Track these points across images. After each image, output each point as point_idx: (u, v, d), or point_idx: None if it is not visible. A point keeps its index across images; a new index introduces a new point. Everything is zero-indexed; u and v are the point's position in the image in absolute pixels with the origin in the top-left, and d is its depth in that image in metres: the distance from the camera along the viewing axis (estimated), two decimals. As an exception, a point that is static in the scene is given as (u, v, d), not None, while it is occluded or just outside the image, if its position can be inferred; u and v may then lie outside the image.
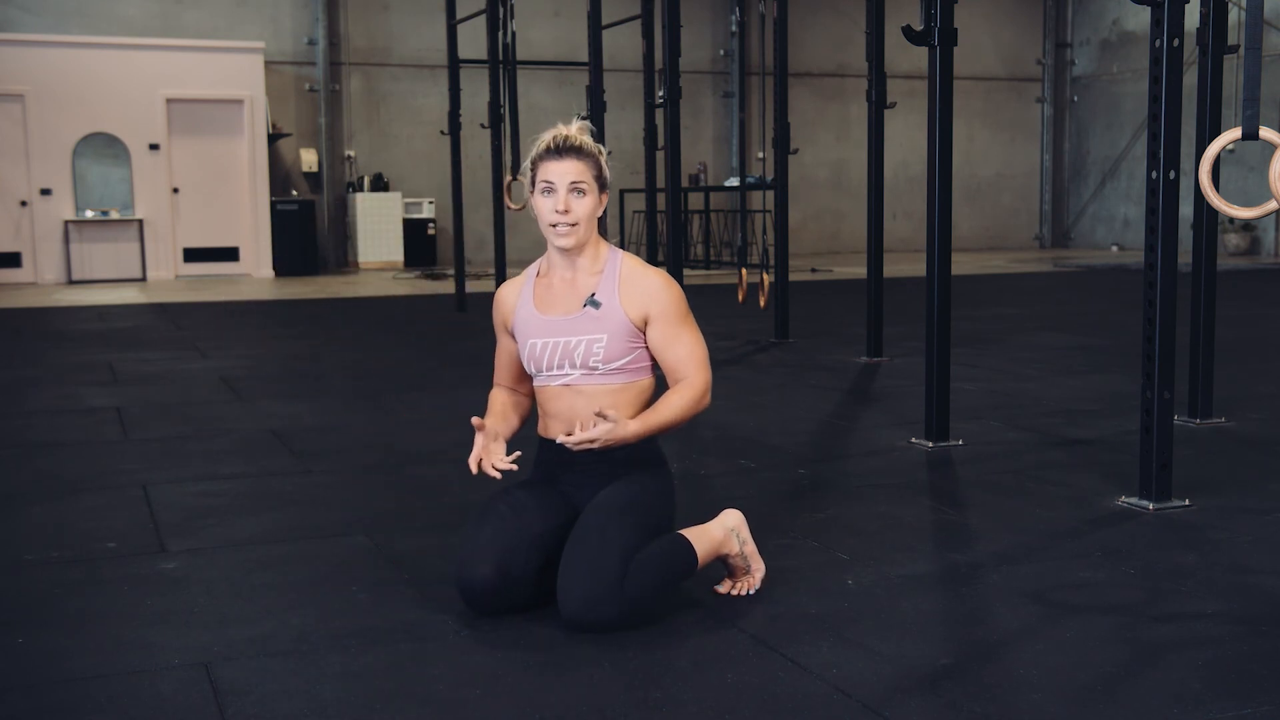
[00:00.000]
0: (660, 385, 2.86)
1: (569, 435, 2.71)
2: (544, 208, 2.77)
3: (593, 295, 2.80)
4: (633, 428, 2.71)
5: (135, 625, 2.70)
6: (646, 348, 2.83)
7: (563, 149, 2.76)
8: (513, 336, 2.93)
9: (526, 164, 2.84)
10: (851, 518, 3.54)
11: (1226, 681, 2.32)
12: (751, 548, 2.89)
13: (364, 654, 2.51)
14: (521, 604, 2.70)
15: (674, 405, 2.78)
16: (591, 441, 2.68)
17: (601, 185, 2.81)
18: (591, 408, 2.76)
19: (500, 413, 2.95)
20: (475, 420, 2.77)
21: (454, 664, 2.46)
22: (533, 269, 2.94)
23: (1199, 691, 2.28)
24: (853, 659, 2.45)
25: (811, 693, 2.29)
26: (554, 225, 2.77)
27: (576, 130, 2.82)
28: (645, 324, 2.80)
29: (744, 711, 2.21)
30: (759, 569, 2.89)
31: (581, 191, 2.76)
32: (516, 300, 2.91)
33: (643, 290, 2.80)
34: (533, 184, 2.80)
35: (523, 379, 2.99)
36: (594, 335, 2.78)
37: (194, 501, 3.82)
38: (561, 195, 2.75)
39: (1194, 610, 2.73)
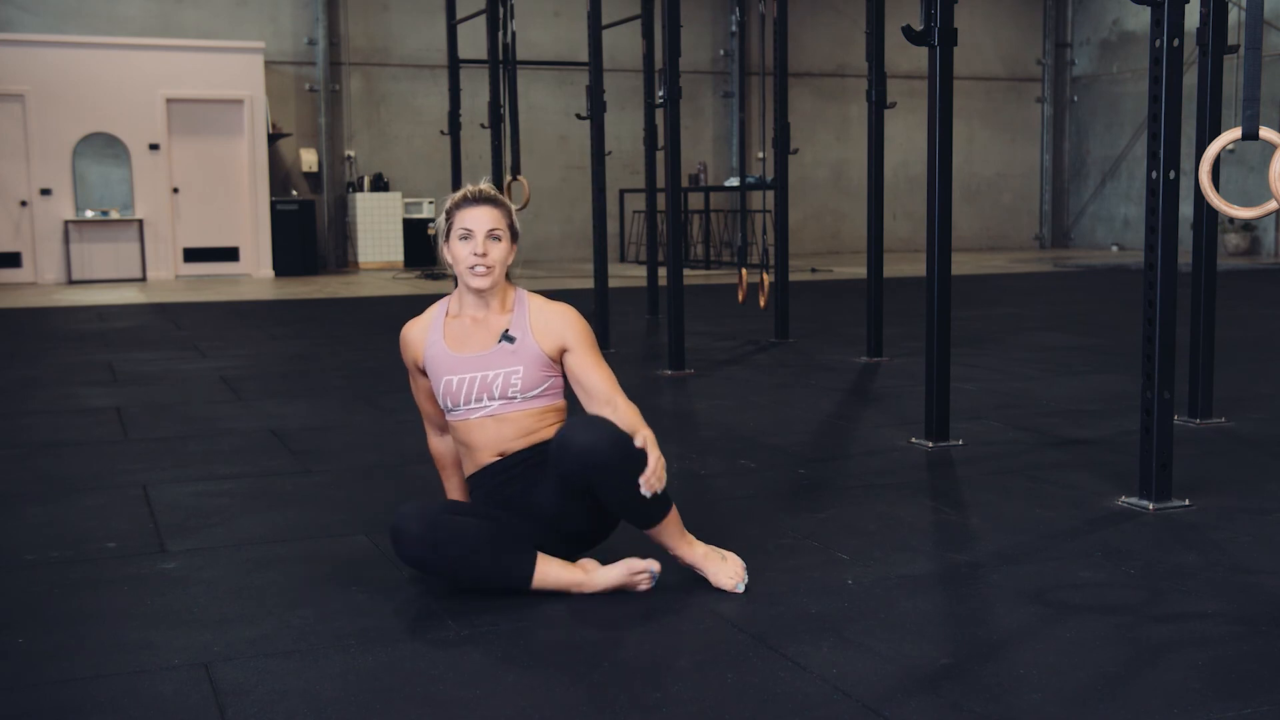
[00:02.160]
0: (572, 405, 3.06)
1: (648, 484, 2.74)
2: (462, 252, 2.94)
3: (507, 331, 2.97)
4: (645, 433, 2.81)
5: (135, 625, 2.70)
6: (561, 375, 3.00)
7: (478, 198, 2.97)
8: (423, 374, 3.08)
9: (441, 217, 3.02)
10: (851, 518, 3.54)
11: (1226, 681, 2.32)
12: (689, 550, 2.91)
13: (364, 654, 2.51)
14: (453, 557, 2.74)
15: (635, 416, 2.89)
16: (656, 473, 2.74)
17: (514, 235, 3.01)
18: (515, 433, 2.94)
19: (457, 476, 3.18)
20: None
21: (454, 664, 2.46)
22: (440, 309, 3.08)
23: (1199, 691, 2.28)
24: (853, 659, 2.45)
25: (811, 693, 2.29)
26: (472, 267, 2.93)
27: (486, 186, 3.04)
28: (561, 354, 2.97)
29: (744, 711, 2.21)
30: (717, 556, 2.91)
31: (498, 238, 2.95)
32: (425, 338, 3.05)
33: (554, 323, 2.97)
34: (448, 233, 2.98)
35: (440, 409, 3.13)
36: (511, 368, 2.94)
37: (194, 501, 3.82)
38: (480, 239, 2.93)
39: (1194, 610, 2.73)
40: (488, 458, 2.96)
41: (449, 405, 2.98)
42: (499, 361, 2.94)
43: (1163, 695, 2.26)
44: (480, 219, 2.94)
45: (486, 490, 2.97)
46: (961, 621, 2.70)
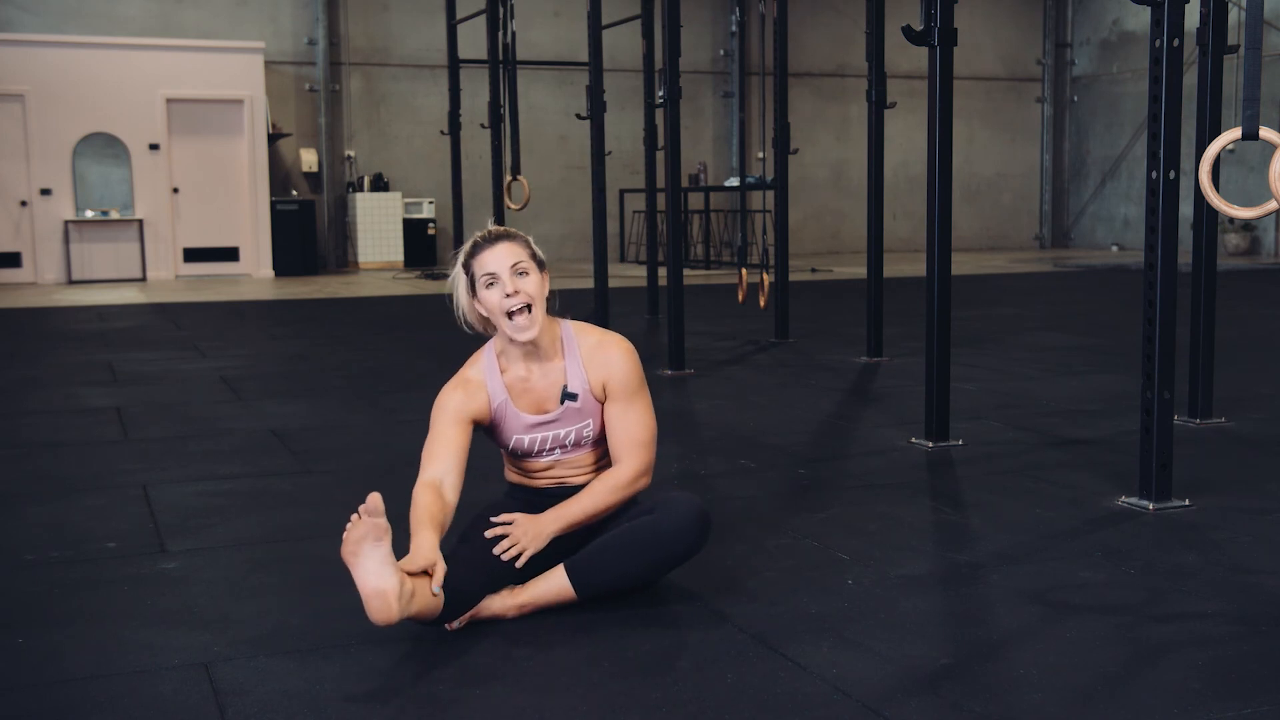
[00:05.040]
0: None
1: (501, 551, 2.69)
2: (493, 300, 2.74)
3: (566, 388, 2.83)
4: (550, 528, 2.75)
5: (135, 625, 2.70)
6: None
7: (490, 238, 2.79)
8: (474, 424, 2.83)
9: (457, 272, 2.82)
10: (851, 518, 3.54)
11: (1226, 681, 2.32)
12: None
13: (364, 654, 2.51)
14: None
15: (597, 496, 2.80)
16: (525, 556, 2.70)
17: (540, 265, 2.81)
18: (578, 470, 2.90)
19: (431, 535, 2.60)
20: (437, 585, 2.54)
21: (454, 664, 2.46)
22: (487, 362, 2.85)
23: (1199, 691, 2.28)
24: (853, 659, 2.45)
25: (811, 693, 2.29)
26: (510, 316, 2.74)
27: (494, 226, 2.86)
28: (604, 391, 2.86)
29: (744, 711, 2.21)
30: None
31: (524, 272, 2.75)
32: (486, 397, 2.82)
33: (603, 363, 2.84)
34: (472, 287, 2.78)
35: (460, 476, 2.78)
36: (581, 424, 2.87)
37: (194, 501, 3.82)
38: (507, 280, 2.73)
39: (1194, 610, 2.73)
40: (544, 483, 2.93)
41: (516, 453, 2.90)
42: (569, 420, 2.85)
43: (1163, 695, 2.26)
44: (499, 257, 2.74)
45: (529, 501, 2.91)
46: (961, 621, 2.70)
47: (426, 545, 2.55)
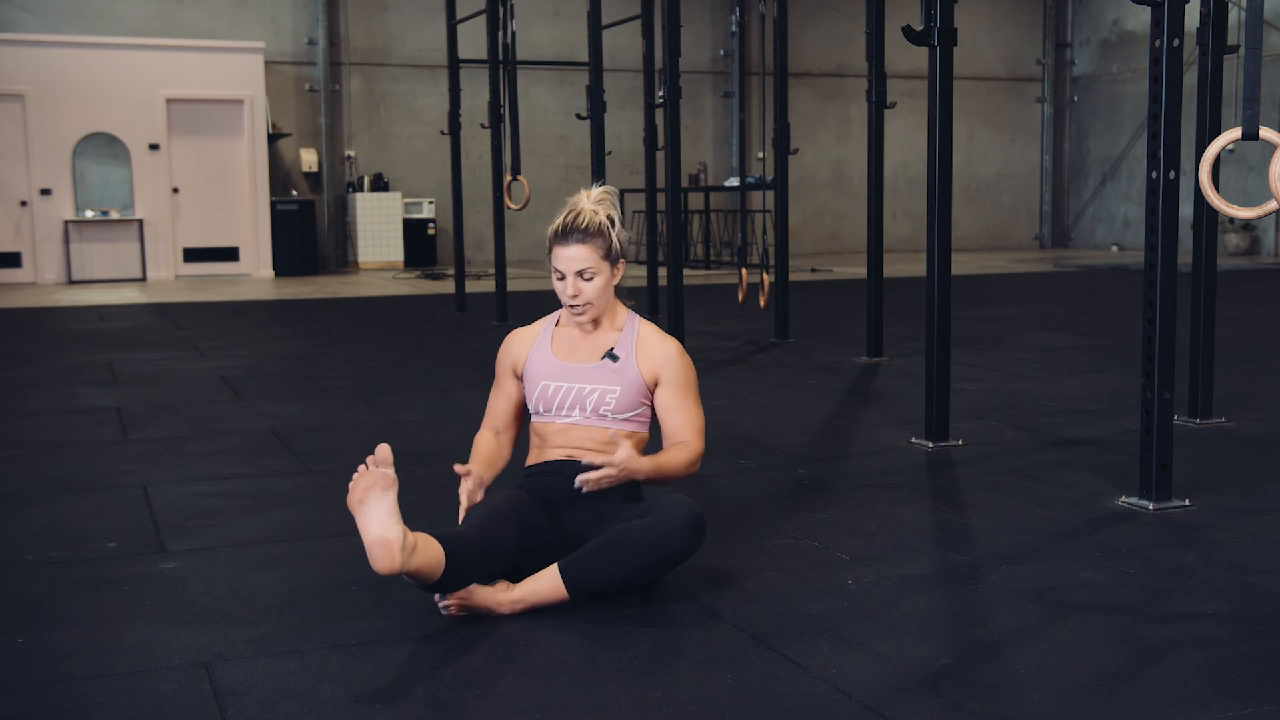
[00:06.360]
0: (654, 443, 3.03)
1: (585, 475, 2.76)
2: (558, 288, 2.93)
3: (611, 350, 2.95)
4: (645, 467, 2.83)
5: (135, 625, 2.70)
6: (651, 406, 2.98)
7: (569, 233, 2.87)
8: (518, 379, 3.05)
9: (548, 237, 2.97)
10: (851, 518, 3.54)
11: (1226, 681, 2.32)
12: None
13: (364, 654, 2.51)
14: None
15: (678, 458, 2.92)
16: (603, 476, 2.75)
17: (613, 260, 2.92)
18: (594, 443, 2.91)
19: (487, 459, 2.99)
20: (459, 467, 2.83)
21: (454, 664, 2.46)
22: (552, 317, 3.08)
23: (1199, 691, 2.28)
24: (853, 659, 2.45)
25: (811, 693, 2.29)
26: (568, 305, 2.93)
27: (593, 203, 2.92)
28: (655, 385, 2.95)
29: (744, 711, 2.21)
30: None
31: (590, 278, 2.89)
32: (531, 345, 3.04)
33: (658, 354, 2.95)
34: (549, 258, 2.94)
35: (513, 424, 3.10)
36: (609, 386, 2.93)
37: (194, 501, 3.82)
38: (570, 282, 2.89)
39: (1194, 610, 2.73)
40: (558, 455, 2.94)
41: (540, 410, 2.96)
42: (599, 378, 2.92)
43: (1163, 695, 2.26)
44: (570, 260, 2.87)
45: (543, 484, 2.92)
46: (961, 621, 2.70)
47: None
